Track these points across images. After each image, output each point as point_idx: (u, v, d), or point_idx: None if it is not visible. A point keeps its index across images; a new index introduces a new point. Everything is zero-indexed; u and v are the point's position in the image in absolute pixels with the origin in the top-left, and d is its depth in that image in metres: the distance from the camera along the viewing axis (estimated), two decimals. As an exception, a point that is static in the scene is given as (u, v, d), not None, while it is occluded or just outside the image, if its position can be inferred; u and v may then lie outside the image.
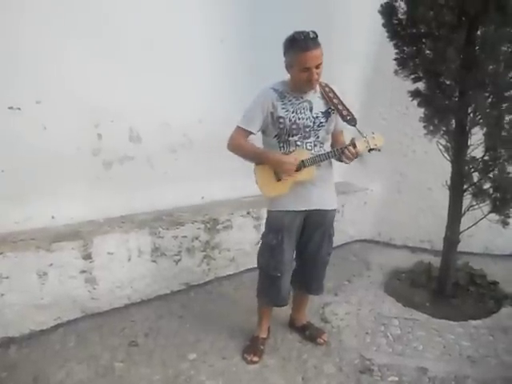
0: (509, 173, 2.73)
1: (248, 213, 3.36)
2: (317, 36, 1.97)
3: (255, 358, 2.38)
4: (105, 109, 2.97)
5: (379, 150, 2.11)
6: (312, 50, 1.94)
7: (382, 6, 2.79)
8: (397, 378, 2.23)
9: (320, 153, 2.13)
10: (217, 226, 3.21)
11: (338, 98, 2.17)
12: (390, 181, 3.98)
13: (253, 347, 2.44)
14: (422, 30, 2.67)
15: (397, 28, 2.78)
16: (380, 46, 3.83)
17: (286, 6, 3.49)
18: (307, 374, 2.28)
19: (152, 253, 2.96)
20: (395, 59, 2.82)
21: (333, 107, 2.16)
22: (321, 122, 2.16)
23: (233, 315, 2.82)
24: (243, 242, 3.35)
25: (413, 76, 2.79)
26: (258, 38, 3.45)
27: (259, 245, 2.39)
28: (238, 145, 2.17)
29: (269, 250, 2.28)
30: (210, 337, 2.59)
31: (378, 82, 3.97)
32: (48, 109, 2.79)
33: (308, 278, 2.44)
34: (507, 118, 2.63)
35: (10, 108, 2.70)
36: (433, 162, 3.68)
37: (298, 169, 2.10)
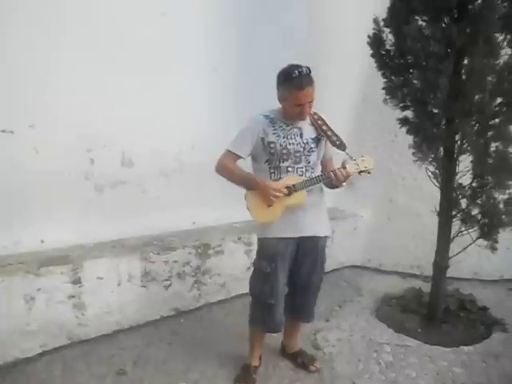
0: (496, 199, 2.78)
1: (239, 238, 3.36)
2: (310, 72, 2.00)
3: (247, 387, 2.33)
4: (97, 133, 2.99)
5: (369, 173, 2.13)
6: (306, 88, 1.99)
7: (369, 37, 2.88)
8: (390, 407, 2.21)
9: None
10: (208, 251, 3.20)
11: (326, 124, 2.22)
12: (380, 207, 4.02)
13: (245, 376, 2.40)
14: (410, 61, 2.76)
15: (385, 58, 2.87)
16: (368, 77, 3.96)
17: (279, 35, 3.60)
18: (300, 402, 2.25)
19: (142, 278, 2.93)
20: (384, 88, 2.89)
21: (322, 134, 2.21)
22: (311, 148, 2.19)
23: (223, 343, 2.77)
24: (234, 267, 3.33)
25: (401, 105, 2.87)
26: (251, 66, 3.54)
27: (252, 271, 2.37)
28: (225, 168, 2.18)
29: (262, 278, 2.26)
30: (200, 365, 2.53)
31: (367, 111, 4.07)
32: (41, 133, 2.81)
33: (299, 305, 2.42)
34: (493, 145, 2.70)
35: (3, 131, 2.72)
36: (422, 188, 3.74)
37: (289, 193, 2.12)
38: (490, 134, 2.68)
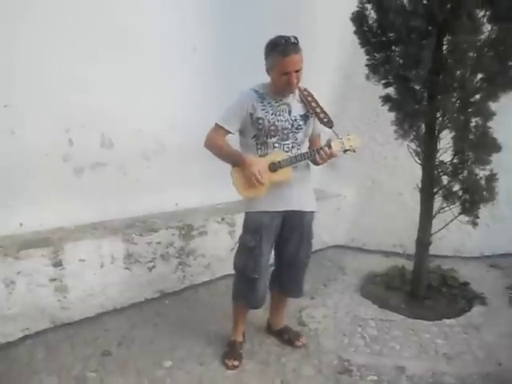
0: (477, 175, 2.82)
1: (223, 219, 3.34)
2: (298, 42, 2.00)
3: (236, 363, 2.33)
4: (76, 114, 2.90)
5: (354, 152, 2.14)
6: (292, 55, 1.98)
7: (352, 13, 2.86)
8: (376, 378, 2.24)
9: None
10: (191, 232, 3.17)
11: (316, 101, 2.21)
12: (362, 187, 4.04)
13: (232, 352, 2.40)
14: (392, 38, 2.76)
15: (367, 35, 2.86)
16: (349, 56, 3.95)
17: (258, 15, 3.54)
18: (286, 377, 2.26)
19: (125, 259, 2.89)
20: (366, 65, 2.88)
21: (311, 111, 2.20)
22: (299, 125, 2.18)
23: (209, 322, 2.76)
24: (218, 248, 3.32)
25: (384, 81, 2.87)
26: (230, 45, 3.49)
27: (236, 247, 2.37)
28: (214, 143, 2.17)
29: (247, 252, 2.26)
30: (186, 344, 2.53)
31: (349, 91, 4.07)
32: (17, 113, 2.72)
33: (287, 281, 2.43)
34: (474, 121, 2.73)
35: (-23, 111, 2.61)
36: (403, 167, 3.78)
37: (275, 169, 2.11)
38: (470, 110, 2.71)
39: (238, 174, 2.16)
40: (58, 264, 2.62)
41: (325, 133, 2.30)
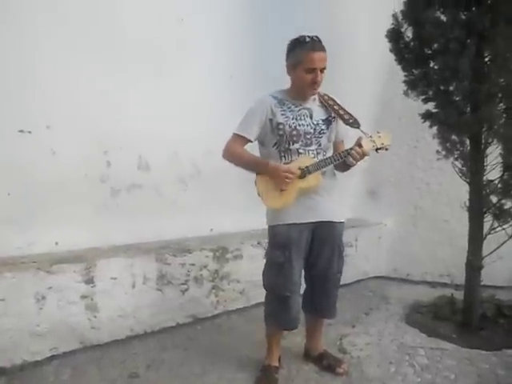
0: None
1: (259, 243, 3.22)
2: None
3: (269, 388, 2.14)
4: (114, 136, 2.96)
5: (386, 149, 2.04)
6: (320, 51, 1.95)
7: (388, 31, 2.85)
8: (428, 407, 1.99)
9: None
10: (226, 254, 3.07)
11: (337, 104, 2.14)
12: (404, 214, 3.86)
13: (266, 377, 2.21)
14: (429, 52, 2.71)
15: (404, 52, 2.82)
16: (386, 85, 3.93)
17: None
18: (327, 404, 2.04)
19: (158, 280, 2.80)
20: (404, 81, 2.82)
21: (333, 114, 2.12)
22: (322, 129, 2.10)
23: (243, 348, 2.59)
24: (254, 273, 3.16)
25: (423, 97, 2.78)
26: (266, 73, 3.52)
27: (264, 264, 2.24)
28: (234, 152, 2.09)
29: (276, 269, 2.12)
30: (217, 368, 2.36)
31: (386, 118, 3.99)
32: (58, 134, 2.80)
33: (319, 300, 2.26)
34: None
35: (21, 131, 2.70)
36: (448, 193, 3.60)
37: (303, 176, 2.00)
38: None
39: (262, 181, 2.06)
40: (89, 281, 2.56)
41: (349, 138, 2.21)
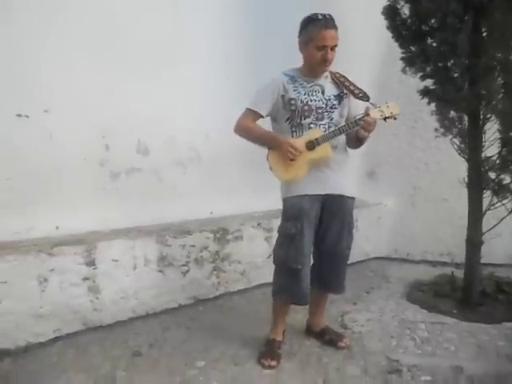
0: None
1: (259, 224, 3.23)
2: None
3: (273, 363, 2.15)
4: (113, 120, 2.95)
5: (395, 119, 2.06)
6: (331, 29, 1.98)
7: (384, 8, 2.83)
8: (429, 378, 2.01)
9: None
10: (226, 236, 3.08)
11: (348, 80, 2.17)
12: (404, 194, 3.86)
13: (270, 351, 2.22)
14: (427, 28, 2.69)
15: (401, 28, 2.80)
16: (382, 65, 3.91)
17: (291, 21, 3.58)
18: (329, 376, 2.06)
19: (159, 262, 2.81)
20: (402, 58, 2.81)
21: (345, 90, 2.15)
22: (333, 104, 2.13)
23: (245, 327, 2.60)
24: (255, 255, 3.20)
25: (421, 74, 2.77)
26: (263, 54, 3.51)
27: (276, 238, 2.26)
28: (245, 126, 2.13)
29: (288, 241, 2.14)
30: (220, 345, 2.38)
31: (384, 100, 3.97)
32: (56, 118, 2.78)
33: (328, 275, 2.27)
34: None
35: (18, 115, 2.68)
36: (446, 172, 3.59)
37: (312, 147, 2.04)
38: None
39: (274, 156, 2.11)
40: (91, 263, 2.57)
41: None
